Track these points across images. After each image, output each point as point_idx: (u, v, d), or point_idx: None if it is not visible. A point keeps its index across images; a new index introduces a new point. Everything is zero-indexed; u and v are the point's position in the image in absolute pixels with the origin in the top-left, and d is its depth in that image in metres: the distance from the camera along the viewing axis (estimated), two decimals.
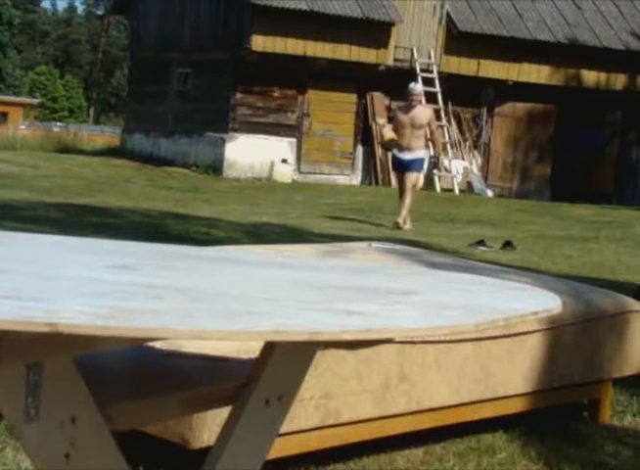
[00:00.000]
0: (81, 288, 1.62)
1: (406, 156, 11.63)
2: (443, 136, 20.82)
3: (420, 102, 11.99)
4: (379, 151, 20.36)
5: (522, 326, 3.16)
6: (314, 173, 20.35)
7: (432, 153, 13.39)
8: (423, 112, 11.85)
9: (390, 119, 12.92)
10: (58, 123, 43.54)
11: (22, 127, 35.47)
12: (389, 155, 12.73)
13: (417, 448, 3.09)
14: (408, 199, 11.67)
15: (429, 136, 12.64)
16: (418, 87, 12.11)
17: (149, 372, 1.99)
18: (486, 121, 21.81)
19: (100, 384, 1.66)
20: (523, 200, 19.69)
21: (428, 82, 20.56)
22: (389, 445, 3.02)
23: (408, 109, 11.79)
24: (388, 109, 20.78)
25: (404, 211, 11.53)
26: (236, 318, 1.47)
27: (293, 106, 20.27)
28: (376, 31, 19.94)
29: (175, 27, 22.15)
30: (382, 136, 12.26)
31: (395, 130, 11.71)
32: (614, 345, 3.54)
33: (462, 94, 20.93)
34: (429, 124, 11.93)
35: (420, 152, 11.78)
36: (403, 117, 11.70)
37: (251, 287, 1.80)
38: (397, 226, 11.23)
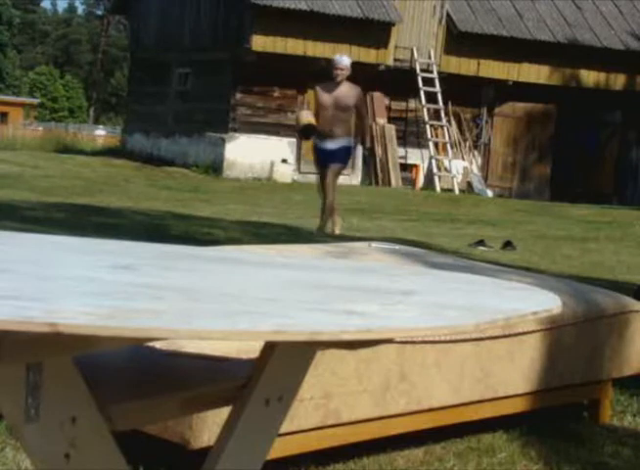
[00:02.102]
0: (81, 288, 1.62)
1: (329, 144, 9.59)
2: (443, 136, 20.85)
3: (347, 78, 9.66)
4: (379, 151, 20.36)
5: (522, 326, 3.16)
6: (314, 173, 20.32)
7: (366, 144, 10.65)
8: (349, 91, 9.61)
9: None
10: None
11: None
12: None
13: (417, 448, 3.09)
14: (330, 198, 9.76)
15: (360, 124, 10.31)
16: (345, 60, 9.74)
17: (149, 372, 1.99)
18: (486, 121, 21.81)
19: (100, 384, 1.66)
20: (523, 200, 19.70)
21: (428, 82, 20.58)
22: (389, 445, 3.02)
23: (332, 86, 9.62)
24: (389, 109, 20.81)
25: (331, 218, 9.78)
26: (236, 318, 1.47)
27: (293, 106, 20.27)
28: (376, 31, 19.95)
29: (175, 27, 22.15)
30: (297, 121, 9.78)
31: (316, 113, 9.63)
32: (614, 345, 3.54)
33: (462, 94, 20.94)
34: (356, 107, 9.73)
35: (345, 139, 9.68)
36: (325, 97, 9.56)
37: (251, 287, 1.80)
38: (328, 232, 9.59)
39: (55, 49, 72.77)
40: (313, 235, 9.14)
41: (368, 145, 10.76)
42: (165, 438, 2.53)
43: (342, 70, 9.57)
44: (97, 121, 60.24)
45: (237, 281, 1.90)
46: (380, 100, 20.61)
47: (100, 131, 37.90)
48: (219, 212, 11.51)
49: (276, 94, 20.19)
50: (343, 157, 9.79)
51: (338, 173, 9.86)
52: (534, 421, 3.41)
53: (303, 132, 9.75)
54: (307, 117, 9.64)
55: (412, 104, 20.95)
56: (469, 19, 21.04)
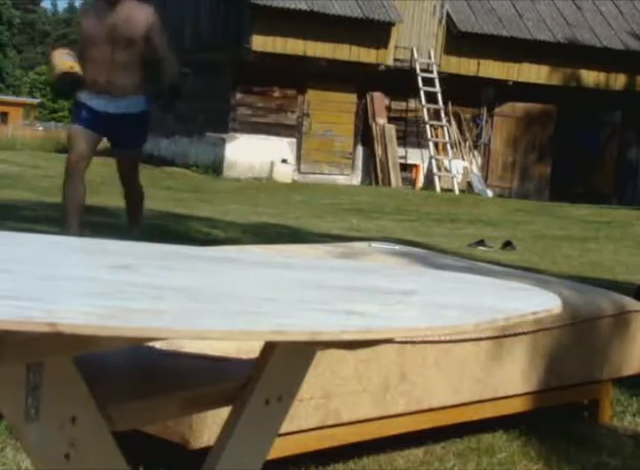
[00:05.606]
0: (81, 288, 1.62)
1: (108, 105, 5.96)
2: (443, 136, 20.85)
3: None
4: (379, 151, 20.37)
5: (522, 326, 3.16)
6: (314, 173, 20.35)
7: (174, 81, 6.08)
8: (134, 13, 5.91)
9: None
10: None
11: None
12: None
13: (417, 448, 3.09)
14: (138, 203, 6.43)
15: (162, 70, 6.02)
16: None
17: (149, 372, 1.99)
18: (486, 121, 21.81)
19: (100, 384, 1.66)
20: (522, 200, 19.70)
21: (428, 82, 20.58)
22: (389, 445, 3.02)
23: (104, 10, 5.91)
24: (389, 109, 20.81)
25: (138, 221, 6.51)
26: (236, 318, 1.47)
27: (293, 106, 20.28)
28: (376, 31, 19.95)
29: (175, 28, 22.14)
30: (52, 68, 5.96)
31: (81, 55, 5.93)
32: (613, 345, 3.54)
33: (462, 94, 20.94)
34: (149, 38, 5.91)
35: (135, 97, 6.00)
36: (94, 27, 5.93)
37: (252, 287, 1.80)
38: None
39: None
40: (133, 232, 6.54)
41: (174, 82, 6.01)
42: (165, 438, 2.53)
43: None
44: None
45: (237, 281, 1.90)
46: (380, 100, 20.62)
47: None
48: (219, 212, 11.51)
49: (276, 94, 20.19)
50: (139, 132, 6.18)
51: (137, 161, 6.37)
52: (534, 421, 3.41)
53: (61, 86, 5.99)
54: (66, 60, 5.88)
55: (412, 104, 20.95)
56: (469, 19, 21.04)
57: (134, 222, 6.57)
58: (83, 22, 6.10)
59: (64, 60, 5.91)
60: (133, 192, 6.38)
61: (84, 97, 6.00)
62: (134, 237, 6.04)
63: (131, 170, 6.27)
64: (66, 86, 5.95)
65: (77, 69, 5.86)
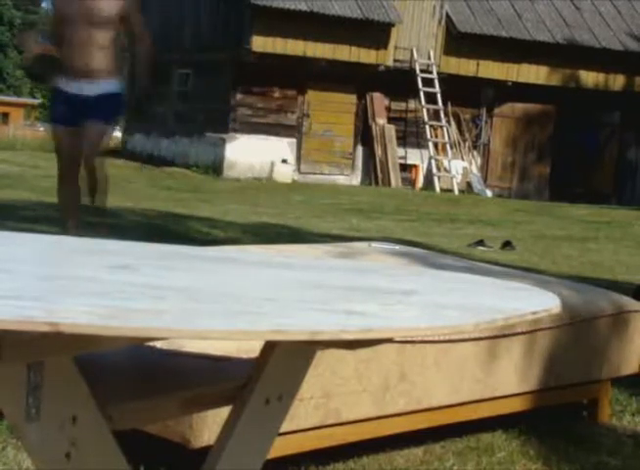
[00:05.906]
0: (82, 288, 1.62)
1: (84, 88, 5.80)
2: (443, 136, 20.85)
3: None
4: (378, 151, 20.37)
5: (521, 326, 3.17)
6: (314, 173, 20.35)
7: (145, 82, 6.73)
8: None
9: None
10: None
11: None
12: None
13: (416, 448, 3.09)
14: (102, 174, 6.16)
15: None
16: None
17: (149, 372, 2.00)
18: (486, 122, 21.82)
19: (100, 383, 1.66)
20: (522, 200, 19.71)
21: (427, 83, 20.59)
22: (389, 444, 3.03)
23: None
24: (388, 109, 20.81)
25: (104, 197, 6.35)
26: (236, 318, 1.47)
27: (293, 106, 20.28)
28: (375, 32, 19.95)
29: (175, 28, 22.16)
30: (26, 50, 6.10)
31: (56, 35, 5.86)
32: (613, 344, 3.54)
33: (461, 94, 20.94)
34: (126, 19, 5.86)
35: (110, 80, 5.89)
36: (71, 7, 5.73)
37: (252, 287, 1.81)
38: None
39: None
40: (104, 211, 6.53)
41: (144, 83, 6.62)
42: (166, 437, 2.54)
43: None
44: None
45: (237, 281, 1.91)
46: (379, 100, 20.62)
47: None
48: (219, 212, 11.51)
49: (276, 95, 20.19)
50: (110, 109, 5.96)
51: (101, 138, 5.99)
52: (533, 420, 3.42)
53: (36, 69, 5.75)
54: (39, 41, 5.89)
55: (412, 104, 20.95)
56: (468, 19, 21.04)
57: (99, 197, 6.20)
58: (57, 3, 5.87)
59: (37, 42, 5.86)
60: (91, 175, 6.02)
61: (60, 82, 5.86)
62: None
63: (92, 147, 5.91)
64: (40, 69, 5.68)
65: (53, 50, 5.73)
